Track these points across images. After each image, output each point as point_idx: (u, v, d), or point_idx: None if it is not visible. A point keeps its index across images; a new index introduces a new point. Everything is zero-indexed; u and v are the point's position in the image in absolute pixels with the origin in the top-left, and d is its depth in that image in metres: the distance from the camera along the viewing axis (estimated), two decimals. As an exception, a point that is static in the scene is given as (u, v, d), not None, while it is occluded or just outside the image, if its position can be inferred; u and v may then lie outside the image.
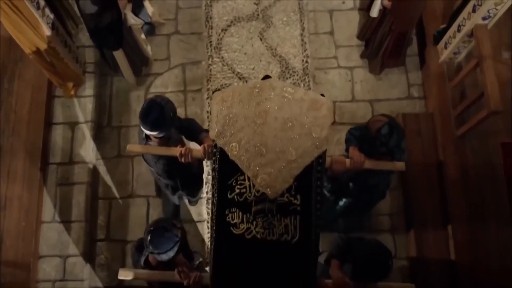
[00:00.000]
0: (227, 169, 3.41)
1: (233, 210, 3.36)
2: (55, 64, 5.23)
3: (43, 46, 4.92)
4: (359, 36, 6.09)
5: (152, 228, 3.48)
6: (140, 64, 5.75)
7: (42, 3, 4.84)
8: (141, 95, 5.94)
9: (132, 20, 5.21)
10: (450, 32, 5.37)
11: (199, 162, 4.36)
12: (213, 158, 3.53)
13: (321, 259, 3.99)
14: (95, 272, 5.36)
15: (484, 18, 4.90)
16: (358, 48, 6.12)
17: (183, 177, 4.26)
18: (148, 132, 3.72)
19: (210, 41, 6.13)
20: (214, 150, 3.51)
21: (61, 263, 5.26)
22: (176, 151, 3.74)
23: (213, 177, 3.51)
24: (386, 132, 3.68)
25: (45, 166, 5.49)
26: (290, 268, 3.34)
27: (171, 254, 3.44)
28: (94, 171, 5.62)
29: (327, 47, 6.16)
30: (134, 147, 3.95)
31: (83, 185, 5.46)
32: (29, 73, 5.63)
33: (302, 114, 3.44)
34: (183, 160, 3.73)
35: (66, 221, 5.34)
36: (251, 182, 3.34)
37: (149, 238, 3.43)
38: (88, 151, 5.59)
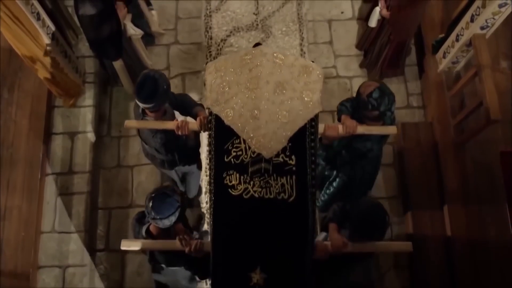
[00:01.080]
0: (222, 134, 3.50)
1: (231, 172, 3.42)
2: (54, 74, 5.24)
3: (43, 56, 4.93)
4: (358, 46, 6.12)
5: (153, 194, 3.56)
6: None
7: (42, 13, 4.86)
8: (140, 105, 5.93)
9: (131, 30, 5.23)
10: (448, 42, 5.40)
11: (196, 135, 4.42)
12: (209, 125, 3.62)
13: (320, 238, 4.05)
14: (95, 282, 5.33)
15: (482, 28, 4.93)
16: (357, 57, 6.14)
17: (180, 150, 4.31)
18: (142, 105, 3.80)
19: (210, 51, 6.16)
20: (210, 117, 3.60)
21: (60, 273, 5.24)
22: (173, 124, 3.86)
23: (209, 143, 3.60)
24: (378, 96, 3.78)
25: (44, 176, 5.48)
26: (288, 227, 3.41)
27: (173, 219, 3.53)
28: (94, 181, 5.61)
29: (326, 56, 6.19)
30: (131, 122, 4.04)
31: (83, 195, 5.45)
32: (29, 83, 5.64)
33: (293, 78, 3.52)
34: (180, 132, 3.84)
35: (65, 232, 5.32)
36: (246, 145, 3.41)
37: (150, 204, 3.51)
38: (88, 161, 5.58)
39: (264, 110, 3.40)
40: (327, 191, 4.91)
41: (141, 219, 3.87)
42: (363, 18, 6.03)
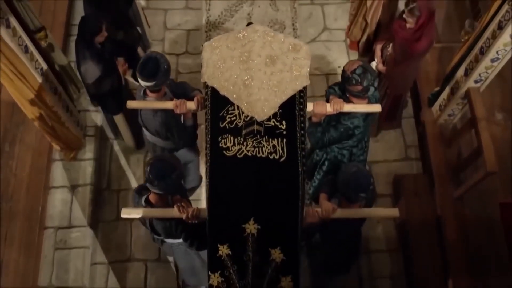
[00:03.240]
0: (218, 103, 3.75)
1: (225, 136, 3.65)
2: (56, 128, 5.30)
3: (45, 111, 5.01)
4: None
5: (151, 161, 3.77)
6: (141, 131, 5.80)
7: (45, 69, 4.97)
8: (140, 158, 5.98)
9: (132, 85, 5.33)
10: (444, 95, 5.49)
11: (194, 116, 4.59)
12: (205, 97, 3.86)
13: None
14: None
15: (476, 81, 5.03)
16: (354, 110, 6.22)
17: (179, 129, 4.46)
18: (144, 83, 4.06)
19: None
20: (206, 90, 3.84)
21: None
22: (171, 103, 4.11)
23: (206, 112, 3.83)
24: (361, 72, 4.02)
25: (43, 230, 5.44)
26: (280, 183, 3.59)
27: (169, 182, 3.69)
28: (92, 235, 5.57)
29: (323, 110, 6.26)
30: (133, 102, 4.27)
31: (81, 249, 5.41)
32: (30, 137, 5.70)
33: (283, 54, 3.79)
34: (178, 111, 4.08)
35: (63, 286, 5.25)
36: (240, 110, 3.68)
37: (149, 168, 3.68)
38: (87, 214, 5.56)
39: (256, 79, 3.70)
40: (317, 176, 4.94)
41: (141, 190, 4.03)
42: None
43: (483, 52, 4.72)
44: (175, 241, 4.25)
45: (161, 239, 4.32)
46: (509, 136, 5.45)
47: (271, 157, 3.57)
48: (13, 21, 4.38)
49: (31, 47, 4.69)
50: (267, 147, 3.59)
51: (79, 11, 6.26)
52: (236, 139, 3.62)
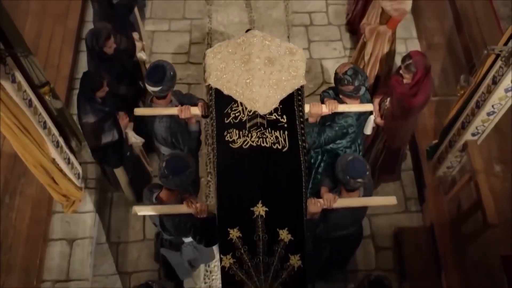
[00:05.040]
0: (222, 101, 3.98)
1: (230, 130, 3.86)
2: (56, 180, 5.33)
3: (47, 163, 5.04)
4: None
5: (168, 157, 3.93)
6: (142, 184, 5.80)
7: (48, 122, 5.04)
8: (140, 210, 5.96)
9: (133, 138, 5.37)
10: (442, 148, 5.55)
11: (197, 122, 4.75)
12: (209, 98, 4.08)
13: None
14: None
15: (473, 134, 5.09)
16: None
17: (183, 133, 4.67)
18: (152, 88, 4.30)
19: (209, 157, 6.28)
20: (210, 91, 4.06)
21: None
22: (176, 109, 4.37)
23: (210, 111, 4.05)
24: (352, 73, 4.32)
25: (40, 283, 5.36)
26: (284, 169, 3.79)
27: (183, 178, 3.85)
28: (91, 288, 5.50)
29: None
30: (140, 110, 4.53)
31: (79, 303, 5.33)
32: (30, 189, 5.71)
33: (280, 56, 4.07)
34: (182, 116, 4.33)
35: None
36: (243, 106, 3.91)
37: (164, 164, 3.85)
38: (85, 267, 5.50)
39: (256, 78, 3.94)
40: (314, 181, 5.03)
41: (152, 188, 4.18)
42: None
43: (479, 106, 4.81)
44: (186, 239, 4.53)
45: (169, 239, 4.53)
46: (509, 187, 5.49)
47: (275, 147, 3.79)
48: (19, 76, 4.48)
49: (35, 101, 4.78)
50: (270, 138, 3.80)
51: (83, 65, 6.39)
52: (241, 132, 3.83)
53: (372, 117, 5.36)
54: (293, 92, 4.00)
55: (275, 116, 3.90)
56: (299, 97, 4.02)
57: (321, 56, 7.07)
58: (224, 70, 4.02)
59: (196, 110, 4.37)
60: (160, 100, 4.47)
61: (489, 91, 4.63)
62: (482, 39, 6.67)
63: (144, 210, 4.10)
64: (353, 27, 7.06)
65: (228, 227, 3.62)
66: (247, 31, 4.33)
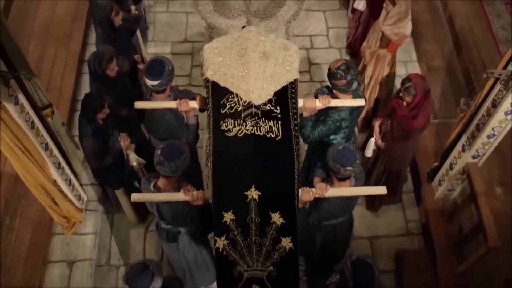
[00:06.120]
0: (218, 93, 4.11)
1: (226, 120, 3.98)
2: (57, 201, 5.33)
3: (48, 184, 5.05)
4: (355, 174, 6.26)
5: (162, 145, 4.04)
6: (143, 205, 5.77)
7: (50, 144, 5.06)
8: (141, 233, 5.96)
9: (134, 160, 5.38)
10: (443, 170, 5.55)
11: (195, 116, 4.81)
12: (207, 90, 4.22)
13: None
14: None
15: (474, 157, 5.10)
16: (354, 185, 6.25)
17: (181, 127, 4.79)
18: (151, 82, 4.46)
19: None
20: (207, 84, 4.19)
21: None
22: (174, 102, 4.51)
23: (207, 103, 4.20)
24: (345, 68, 4.44)
25: (38, 307, 5.34)
26: (277, 156, 3.90)
27: (178, 163, 3.97)
28: (90, 311, 5.46)
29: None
30: (141, 103, 4.62)
31: (78, 326, 5.29)
32: (31, 210, 5.71)
33: (274, 51, 4.20)
34: (180, 108, 4.47)
35: None
36: (239, 97, 4.03)
37: (159, 151, 3.97)
38: (85, 290, 5.47)
39: (252, 70, 4.07)
40: (309, 179, 5.00)
41: (149, 178, 4.26)
42: (359, 148, 6.23)
43: (479, 129, 4.83)
44: (182, 229, 4.59)
45: (167, 229, 4.59)
46: (510, 210, 5.46)
47: (268, 135, 3.90)
48: (22, 98, 4.52)
49: (37, 123, 4.81)
50: (264, 127, 3.91)
51: (85, 86, 6.45)
52: (236, 122, 3.95)
53: (372, 140, 5.40)
54: (286, 85, 4.14)
55: (269, 106, 4.02)
56: (293, 90, 4.16)
57: (322, 78, 7.10)
58: (221, 64, 4.17)
59: (194, 104, 4.51)
60: (159, 94, 4.62)
61: (489, 114, 4.65)
62: (481, 62, 6.74)
63: (142, 198, 4.20)
64: (354, 50, 7.13)
65: (222, 210, 3.72)
66: (243, 27, 4.52)
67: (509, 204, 5.54)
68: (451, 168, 5.40)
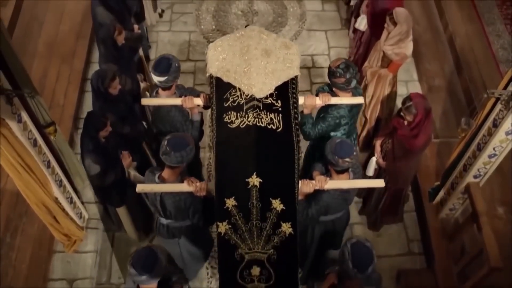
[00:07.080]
0: (222, 88, 4.29)
1: (229, 113, 4.14)
2: (58, 219, 5.32)
3: (49, 202, 5.05)
4: (357, 195, 6.24)
5: (168, 137, 4.14)
6: (144, 223, 5.80)
7: (52, 161, 5.08)
8: (142, 250, 5.91)
9: (136, 177, 5.39)
10: (444, 189, 5.55)
11: (200, 113, 4.95)
12: (210, 86, 4.40)
13: None
14: None
15: (475, 177, 5.10)
16: (356, 204, 6.20)
17: (186, 123, 4.90)
18: (157, 78, 4.56)
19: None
20: (211, 80, 4.37)
21: None
22: (179, 99, 4.64)
23: (211, 98, 4.38)
24: (344, 66, 4.57)
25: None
26: (278, 146, 4.04)
27: (183, 154, 4.06)
28: (90, 330, 5.43)
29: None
30: (147, 100, 4.92)
31: None
32: (32, 228, 5.70)
33: (276, 49, 4.40)
34: (185, 105, 4.60)
35: None
36: (241, 91, 4.21)
37: (166, 142, 4.07)
38: (85, 309, 5.44)
39: (254, 66, 4.27)
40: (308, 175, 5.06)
41: (153, 170, 4.38)
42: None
43: (480, 149, 4.84)
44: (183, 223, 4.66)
45: (167, 224, 4.66)
46: (512, 229, 5.45)
47: (269, 127, 4.05)
48: (25, 116, 4.55)
49: (40, 141, 4.84)
50: (265, 119, 4.06)
51: (88, 104, 6.48)
52: (238, 114, 4.11)
53: (374, 159, 5.41)
54: (287, 81, 4.30)
55: (270, 100, 4.18)
56: (293, 86, 4.33)
57: (323, 97, 7.13)
58: (224, 61, 4.35)
59: (198, 101, 4.64)
60: (165, 91, 4.72)
61: (490, 134, 4.66)
62: (482, 81, 6.79)
63: (147, 188, 4.28)
64: (355, 70, 7.16)
65: (224, 197, 3.83)
66: (246, 26, 4.70)
67: (510, 224, 5.53)
68: (452, 188, 5.40)
